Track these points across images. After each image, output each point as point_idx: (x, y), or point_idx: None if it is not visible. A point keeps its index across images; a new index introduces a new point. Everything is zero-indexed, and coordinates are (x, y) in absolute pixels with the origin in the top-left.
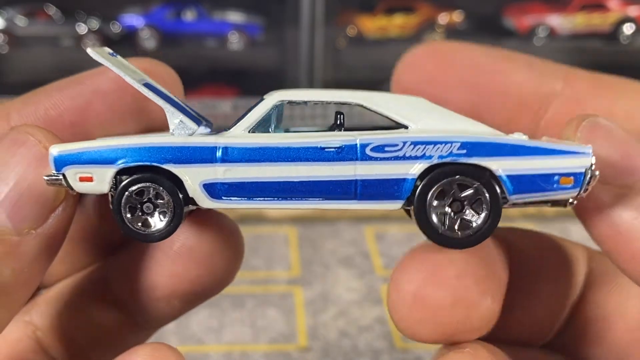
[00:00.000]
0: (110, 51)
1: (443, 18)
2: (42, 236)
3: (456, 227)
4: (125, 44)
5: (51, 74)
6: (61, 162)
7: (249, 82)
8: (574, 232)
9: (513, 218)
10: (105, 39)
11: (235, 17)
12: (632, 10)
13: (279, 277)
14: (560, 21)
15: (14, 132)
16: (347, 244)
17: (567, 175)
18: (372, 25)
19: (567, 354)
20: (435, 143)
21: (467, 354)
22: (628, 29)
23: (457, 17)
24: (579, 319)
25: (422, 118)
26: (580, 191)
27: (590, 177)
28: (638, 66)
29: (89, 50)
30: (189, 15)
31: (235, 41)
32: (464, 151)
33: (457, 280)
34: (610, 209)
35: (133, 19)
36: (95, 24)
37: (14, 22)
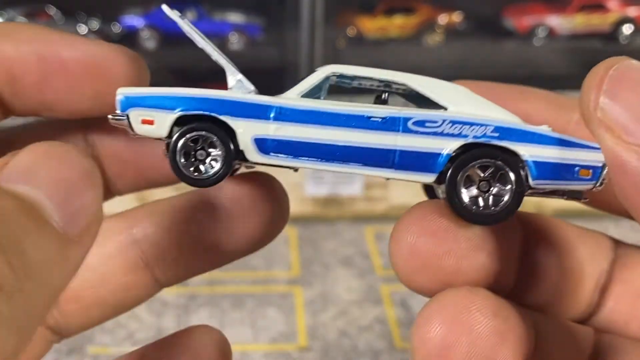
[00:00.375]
0: (180, 14)
1: (443, 19)
2: (87, 242)
3: (483, 203)
4: (125, 45)
5: None
6: (127, 104)
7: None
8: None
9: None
10: (106, 40)
11: (235, 17)
12: (632, 11)
13: (279, 277)
14: (559, 21)
15: (55, 145)
16: (347, 244)
17: (587, 167)
18: (372, 25)
19: (601, 331)
20: (471, 124)
21: (464, 289)
22: (627, 29)
23: (456, 17)
24: (610, 299)
25: (461, 103)
26: (596, 184)
27: (607, 172)
28: None
29: (164, 6)
30: (189, 16)
31: (235, 41)
32: (497, 134)
33: (446, 233)
34: (635, 169)
35: (133, 19)
36: (95, 24)
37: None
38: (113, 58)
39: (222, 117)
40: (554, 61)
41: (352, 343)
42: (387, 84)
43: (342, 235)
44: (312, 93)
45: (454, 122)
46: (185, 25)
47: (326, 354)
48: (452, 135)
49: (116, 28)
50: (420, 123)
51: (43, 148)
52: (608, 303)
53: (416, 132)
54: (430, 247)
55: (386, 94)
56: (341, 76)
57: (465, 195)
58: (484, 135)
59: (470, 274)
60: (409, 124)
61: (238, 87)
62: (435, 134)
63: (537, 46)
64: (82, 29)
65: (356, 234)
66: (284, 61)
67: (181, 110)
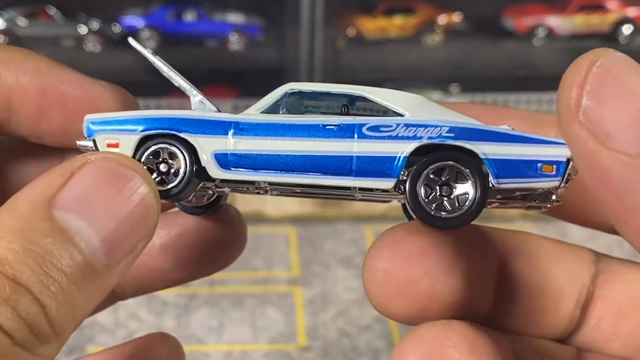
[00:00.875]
0: (145, 48)
1: (442, 19)
2: (124, 270)
3: (446, 207)
4: (126, 45)
5: None
6: (93, 129)
7: (249, 83)
8: (572, 233)
9: (512, 218)
10: (106, 40)
11: (235, 17)
12: (631, 11)
13: (279, 277)
14: (559, 22)
15: (118, 165)
16: (347, 244)
17: (549, 163)
18: (371, 26)
19: (583, 349)
20: (426, 126)
21: (439, 324)
22: (627, 29)
23: (456, 17)
24: (591, 316)
25: (418, 110)
26: (562, 181)
27: (572, 168)
28: None
29: (130, 39)
30: (189, 16)
31: (235, 42)
32: (452, 134)
33: (421, 257)
34: (619, 178)
35: (133, 19)
36: (95, 24)
37: (15, 23)
38: (108, 97)
39: (182, 135)
40: (554, 61)
41: (352, 343)
42: (347, 104)
43: (342, 235)
44: (271, 110)
45: (408, 125)
46: (149, 54)
47: (326, 353)
48: (407, 137)
49: (116, 28)
50: (375, 128)
51: (104, 171)
52: (590, 321)
53: (371, 137)
54: (405, 272)
55: (346, 108)
56: (300, 93)
57: (430, 201)
58: (439, 136)
59: (445, 297)
60: (364, 129)
61: (200, 107)
62: (390, 137)
63: (537, 46)
64: (82, 29)
65: (356, 234)
66: (284, 61)
67: (143, 130)
